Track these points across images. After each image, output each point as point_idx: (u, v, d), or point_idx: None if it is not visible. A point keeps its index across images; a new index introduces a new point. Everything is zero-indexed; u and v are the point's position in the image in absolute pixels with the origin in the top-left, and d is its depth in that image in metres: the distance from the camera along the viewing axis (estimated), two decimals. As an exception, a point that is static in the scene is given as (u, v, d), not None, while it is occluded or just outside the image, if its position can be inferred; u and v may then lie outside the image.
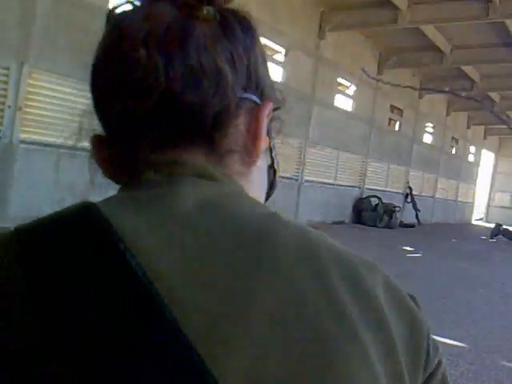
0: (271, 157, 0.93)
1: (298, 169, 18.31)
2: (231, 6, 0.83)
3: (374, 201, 21.82)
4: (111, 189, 0.83)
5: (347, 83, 20.99)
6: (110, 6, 0.83)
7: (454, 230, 25.79)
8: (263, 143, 0.84)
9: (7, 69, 9.70)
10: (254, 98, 0.83)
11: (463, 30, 18.98)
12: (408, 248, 16.00)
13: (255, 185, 0.87)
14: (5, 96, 9.75)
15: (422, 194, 27.92)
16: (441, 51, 20.59)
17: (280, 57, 16.78)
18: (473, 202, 37.11)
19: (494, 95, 27.19)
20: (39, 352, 0.56)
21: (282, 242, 0.68)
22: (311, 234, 0.72)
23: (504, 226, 22.82)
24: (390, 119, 24.72)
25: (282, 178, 13.07)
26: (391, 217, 21.86)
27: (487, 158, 39.41)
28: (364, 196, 22.16)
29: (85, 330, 0.56)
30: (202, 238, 0.67)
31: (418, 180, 27.45)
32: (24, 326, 0.58)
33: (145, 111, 0.75)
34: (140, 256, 0.61)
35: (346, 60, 19.59)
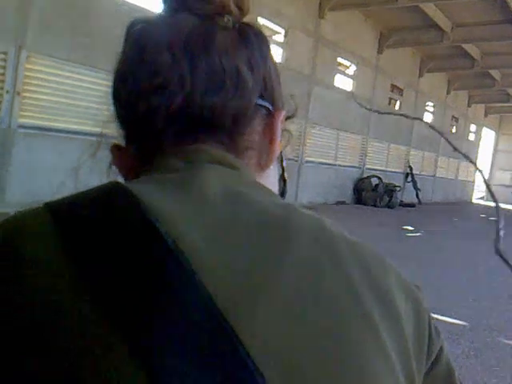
0: (282, 167, 0.98)
1: (298, 149, 18.27)
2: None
3: (375, 181, 21.85)
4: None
5: (347, 63, 20.93)
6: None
7: (455, 209, 25.82)
8: (277, 147, 0.89)
9: (5, 53, 9.66)
10: (268, 105, 0.88)
11: (463, 7, 18.89)
12: (408, 227, 16.02)
13: None
14: (3, 81, 9.72)
15: (423, 174, 27.94)
16: (441, 29, 20.50)
17: (280, 37, 16.73)
18: (473, 181, 37.13)
19: (495, 73, 27.11)
20: (87, 321, 0.58)
21: (299, 227, 0.71)
22: (326, 223, 0.75)
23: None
24: (390, 99, 24.69)
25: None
26: (392, 196, 21.89)
27: (488, 137, 39.39)
28: (364, 176, 22.19)
29: (126, 294, 0.58)
30: (225, 215, 0.70)
31: (419, 159, 27.44)
32: (68, 299, 0.59)
33: (170, 110, 0.79)
34: (167, 225, 0.64)
35: (346, 40, 19.53)
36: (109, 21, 10.94)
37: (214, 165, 0.79)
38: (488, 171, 40.63)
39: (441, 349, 0.79)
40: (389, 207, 21.37)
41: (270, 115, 0.88)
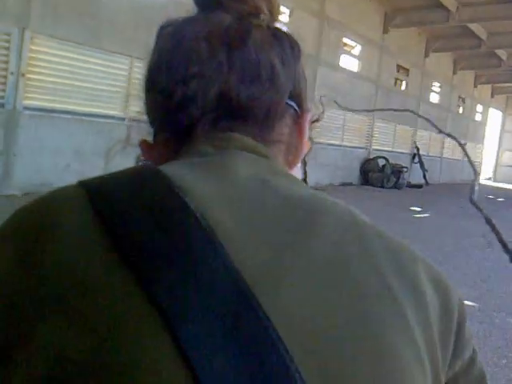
0: (305, 171, 0.99)
1: (304, 131, 18.08)
2: None
3: (382, 161, 21.84)
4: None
5: (353, 43, 20.86)
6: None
7: (462, 190, 25.78)
8: (305, 147, 0.93)
9: (8, 35, 9.64)
10: (296, 106, 0.91)
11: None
12: (416, 208, 16.01)
13: None
14: (7, 62, 9.71)
15: (430, 154, 27.90)
16: (447, 9, 20.36)
17: (284, 18, 16.65)
18: (480, 162, 37.02)
19: (501, 53, 26.98)
20: (117, 293, 0.59)
21: (327, 212, 0.73)
22: (355, 211, 0.76)
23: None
24: (396, 79, 24.60)
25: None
26: (398, 177, 21.88)
27: (495, 117, 39.27)
28: (371, 157, 22.16)
29: (157, 266, 0.59)
30: (254, 198, 0.71)
31: (425, 140, 27.40)
32: (100, 271, 0.60)
33: (206, 98, 0.81)
34: (196, 202, 0.65)
35: (351, 20, 19.44)
36: (114, 1, 10.91)
37: (245, 152, 0.80)
38: (495, 152, 40.59)
39: (472, 359, 0.79)
40: (396, 188, 21.36)
41: (298, 115, 0.91)
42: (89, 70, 10.91)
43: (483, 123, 36.24)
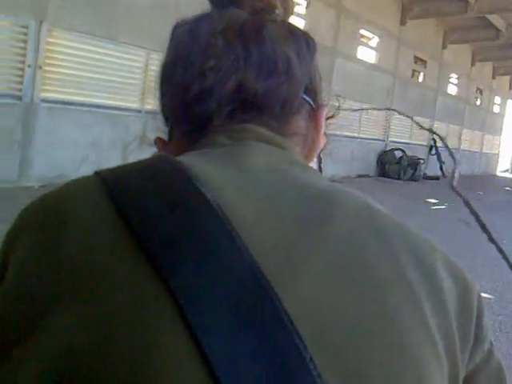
0: (320, 167, 1.04)
1: (321, 123, 18.05)
2: None
3: (398, 153, 21.72)
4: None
5: (370, 35, 20.76)
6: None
7: (479, 182, 25.64)
8: (321, 141, 0.94)
9: (26, 27, 9.64)
10: (311, 101, 0.91)
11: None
12: (432, 200, 15.93)
13: None
14: (24, 55, 9.70)
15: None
16: (465, 0, 20.18)
17: (301, 9, 16.58)
18: (498, 154, 36.82)
19: (520, 44, 26.76)
20: (130, 280, 0.59)
21: (344, 202, 0.73)
22: (371, 201, 0.77)
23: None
24: (414, 71, 24.45)
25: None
26: (415, 169, 21.79)
27: (513, 109, 38.98)
28: (388, 149, 22.06)
29: (172, 254, 0.59)
30: (270, 187, 0.72)
31: (443, 132, 27.24)
32: (113, 258, 0.61)
33: (223, 91, 0.82)
34: (212, 191, 0.66)
35: (368, 11, 19.32)
36: (131, -6, 10.93)
37: (261, 143, 0.81)
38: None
39: (490, 351, 0.79)
40: (413, 180, 21.27)
41: (314, 110, 0.92)
42: (106, 62, 10.93)
43: (501, 115, 35.96)
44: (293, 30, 0.90)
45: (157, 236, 0.61)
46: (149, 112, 10.87)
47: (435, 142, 25.05)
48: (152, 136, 0.94)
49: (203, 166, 0.71)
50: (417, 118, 24.19)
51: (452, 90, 28.41)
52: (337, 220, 0.69)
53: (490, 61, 29.86)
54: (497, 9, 21.04)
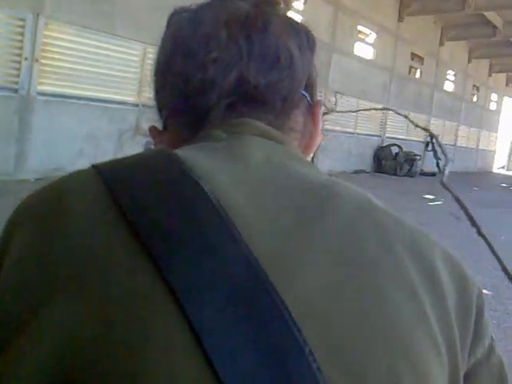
0: (312, 161, 1.00)
1: (318, 118, 18.01)
2: None
3: (395, 149, 21.71)
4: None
5: (367, 31, 20.74)
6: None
7: (476, 179, 25.67)
8: (318, 137, 0.94)
9: (23, 20, 9.60)
10: (309, 97, 0.92)
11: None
12: (429, 196, 15.93)
13: None
14: (21, 48, 9.67)
15: (443, 143, 27.65)
16: (463, -4, 20.18)
17: (299, 5, 16.56)
18: (494, 151, 36.82)
19: (517, 41, 26.77)
20: (126, 271, 0.59)
21: (343, 195, 0.72)
22: (370, 195, 0.76)
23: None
24: (411, 67, 24.41)
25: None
26: (412, 165, 21.80)
27: (509, 106, 38.96)
28: (384, 145, 22.05)
29: (169, 246, 0.60)
30: (268, 180, 0.72)
31: (439, 128, 27.25)
32: (110, 250, 0.61)
33: (225, 83, 0.81)
34: (210, 184, 0.65)
35: (365, 7, 19.29)
36: (128, -12, 10.90)
37: (259, 137, 0.80)
38: (510, 141, 40.31)
39: (491, 346, 0.78)
40: (409, 176, 21.26)
41: (311, 106, 0.92)
42: (102, 55, 10.90)
43: (497, 112, 35.94)
44: (295, 24, 0.91)
45: (154, 228, 0.61)
46: (145, 106, 10.85)
47: (432, 138, 25.03)
48: (146, 126, 0.93)
49: (201, 160, 0.71)
50: (413, 115, 24.07)
51: (449, 86, 28.38)
52: (337, 212, 0.69)
53: (486, 58, 29.84)
54: (494, 6, 21.04)
